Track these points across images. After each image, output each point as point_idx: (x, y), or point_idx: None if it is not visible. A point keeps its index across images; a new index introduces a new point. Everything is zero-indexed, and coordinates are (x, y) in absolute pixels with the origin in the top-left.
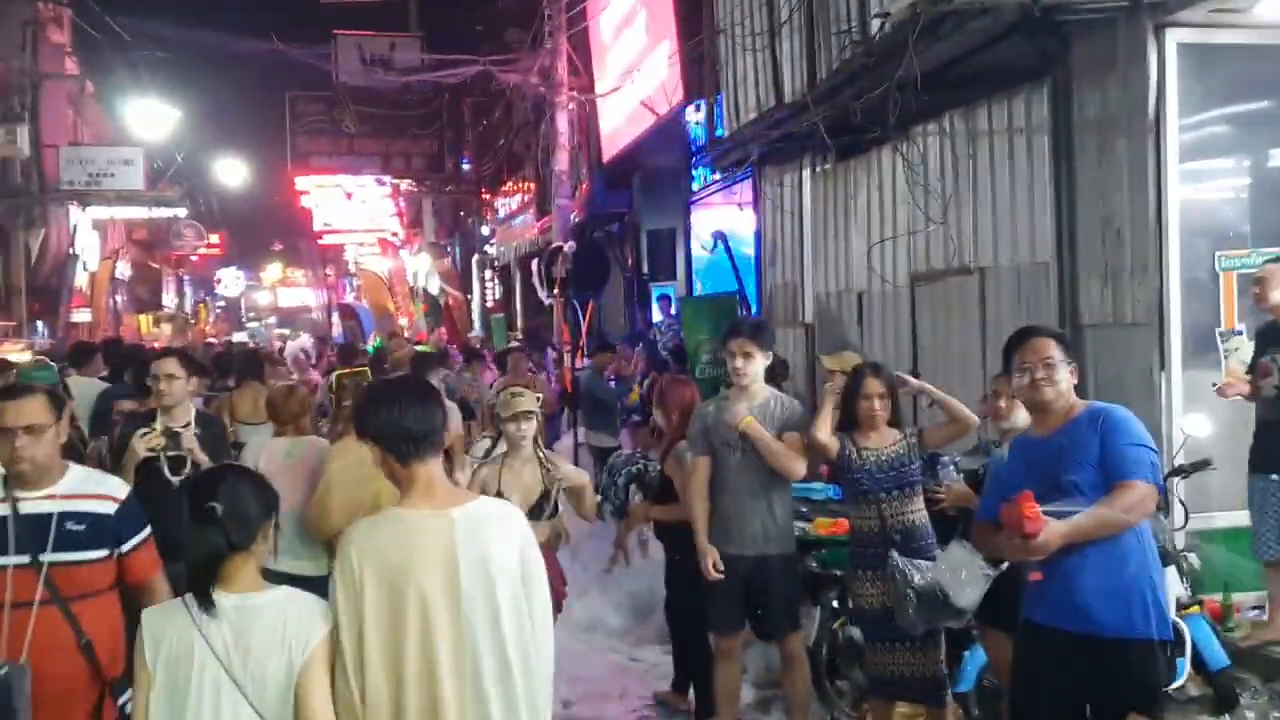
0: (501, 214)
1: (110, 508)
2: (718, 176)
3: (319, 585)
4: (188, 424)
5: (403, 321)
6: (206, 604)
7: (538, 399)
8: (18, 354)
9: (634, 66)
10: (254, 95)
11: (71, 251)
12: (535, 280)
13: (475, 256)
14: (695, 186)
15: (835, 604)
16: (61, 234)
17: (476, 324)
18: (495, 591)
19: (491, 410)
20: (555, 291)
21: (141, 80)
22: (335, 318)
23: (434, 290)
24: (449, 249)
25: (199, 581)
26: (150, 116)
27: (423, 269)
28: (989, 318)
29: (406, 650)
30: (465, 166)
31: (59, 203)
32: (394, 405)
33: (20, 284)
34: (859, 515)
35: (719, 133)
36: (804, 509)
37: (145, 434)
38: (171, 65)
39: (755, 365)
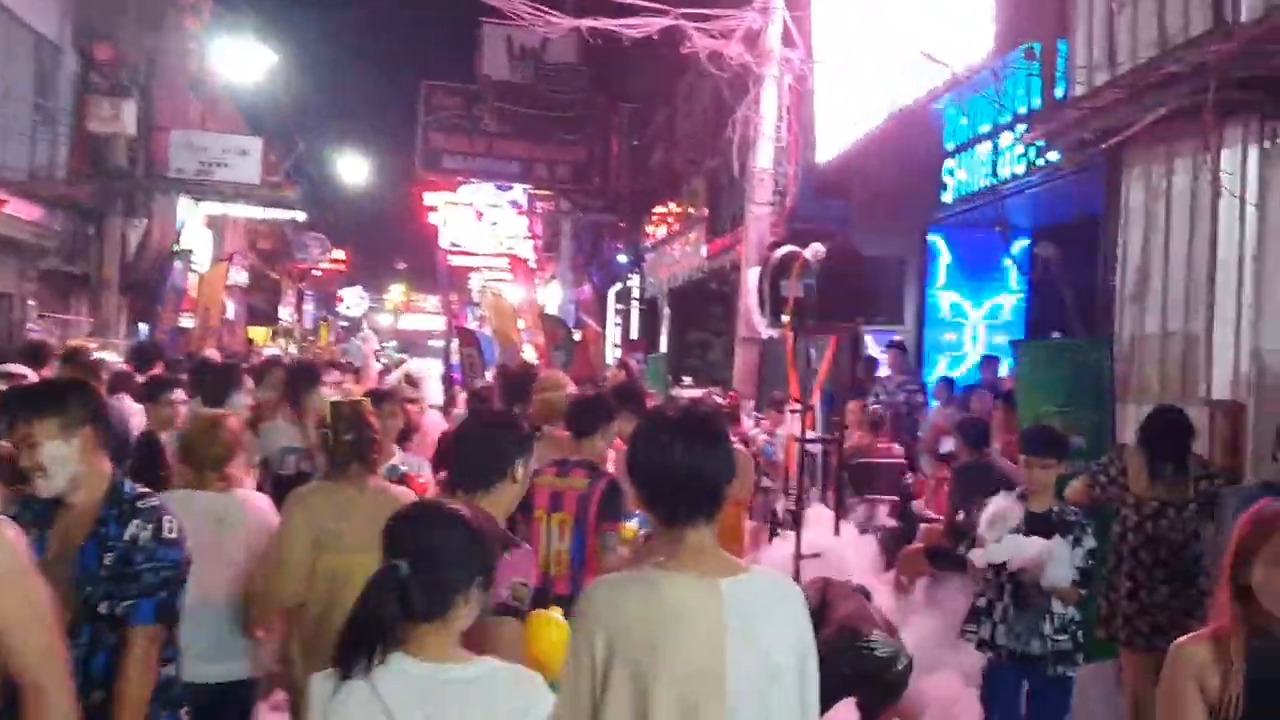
0: (652, 240)
1: None
2: (1038, 165)
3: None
4: None
5: (528, 354)
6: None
7: None
8: (102, 353)
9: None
10: (382, 86)
11: (177, 248)
12: (753, 301)
13: (615, 288)
14: (948, 198)
15: None
16: (166, 227)
17: (609, 361)
18: (769, 691)
19: None
20: (785, 319)
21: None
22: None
23: (569, 322)
24: (591, 275)
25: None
26: (241, 58)
27: (555, 298)
28: None
29: None
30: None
31: (165, 192)
32: (666, 447)
33: (112, 278)
34: None
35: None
36: None
37: None
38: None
39: None
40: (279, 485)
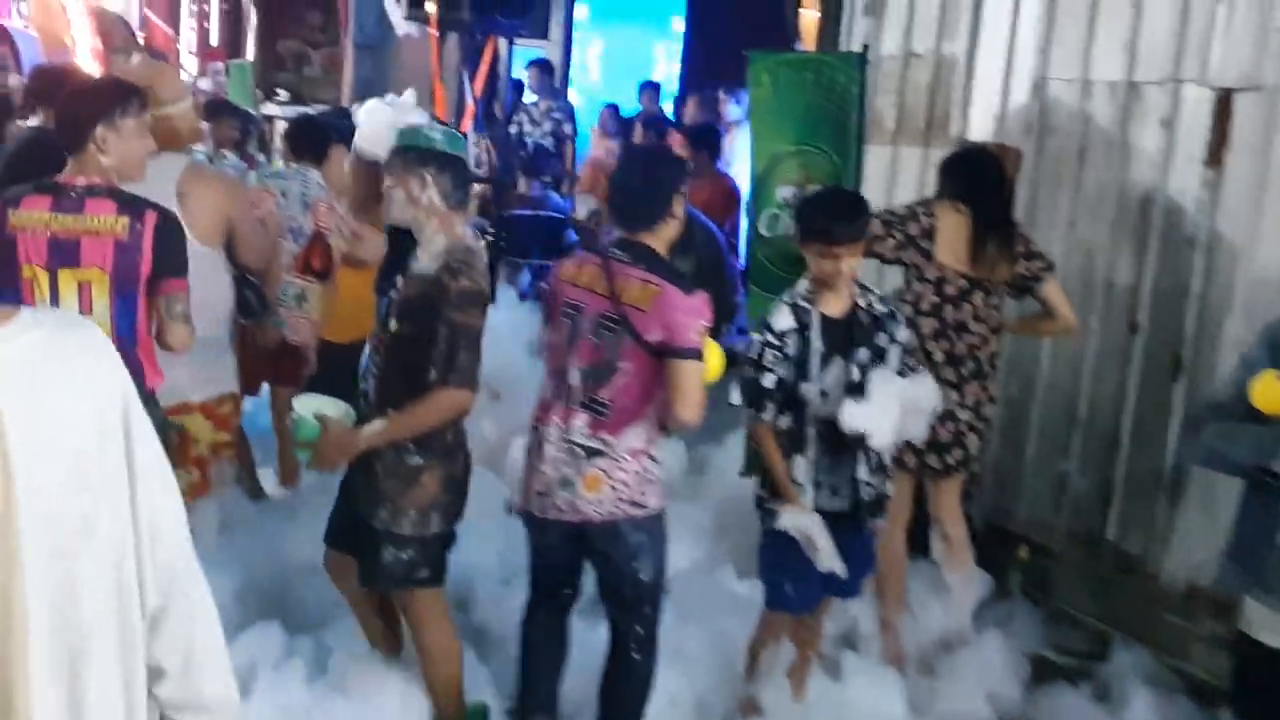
0: None
1: None
2: None
3: None
4: None
5: (85, 62)
6: None
7: None
8: None
9: None
10: None
11: None
12: None
13: None
14: None
15: None
16: None
17: (188, 73)
18: (75, 493)
19: None
20: (429, 9)
21: None
22: None
23: (133, 21)
24: None
25: None
26: None
27: None
28: None
29: None
30: None
31: None
32: None
33: None
34: None
35: None
36: None
37: None
38: None
39: None
40: None
